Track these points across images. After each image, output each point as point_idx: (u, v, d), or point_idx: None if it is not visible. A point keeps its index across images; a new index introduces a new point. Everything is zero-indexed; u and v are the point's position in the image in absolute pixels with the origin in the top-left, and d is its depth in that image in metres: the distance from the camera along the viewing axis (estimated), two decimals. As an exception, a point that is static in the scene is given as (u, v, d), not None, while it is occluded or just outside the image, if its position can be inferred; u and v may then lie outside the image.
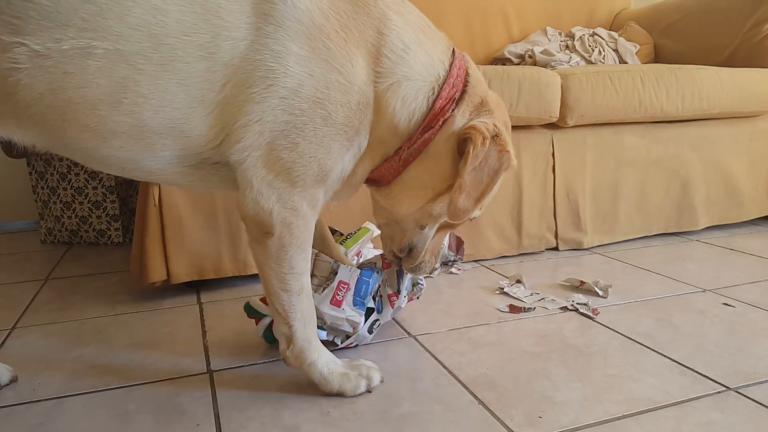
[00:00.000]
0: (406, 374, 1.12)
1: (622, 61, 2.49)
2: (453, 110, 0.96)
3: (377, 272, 1.24)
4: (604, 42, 2.52)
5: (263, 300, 1.19)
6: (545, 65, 2.34)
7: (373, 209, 1.16)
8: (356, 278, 1.18)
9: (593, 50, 2.51)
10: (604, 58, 2.48)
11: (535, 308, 1.46)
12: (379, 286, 1.25)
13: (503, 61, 2.55)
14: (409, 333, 1.33)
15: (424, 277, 1.73)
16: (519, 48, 2.54)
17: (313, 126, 0.86)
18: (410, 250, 1.15)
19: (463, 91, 0.97)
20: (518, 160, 1.91)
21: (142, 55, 0.76)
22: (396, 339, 1.29)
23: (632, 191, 2.09)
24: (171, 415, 0.99)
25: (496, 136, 0.96)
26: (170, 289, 1.62)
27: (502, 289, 1.60)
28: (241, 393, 1.05)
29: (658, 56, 2.64)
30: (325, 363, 1.03)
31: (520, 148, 1.92)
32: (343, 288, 1.15)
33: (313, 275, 1.05)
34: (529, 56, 2.48)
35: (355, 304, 1.16)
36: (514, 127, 1.91)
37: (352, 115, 0.89)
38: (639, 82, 1.97)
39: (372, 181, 1.05)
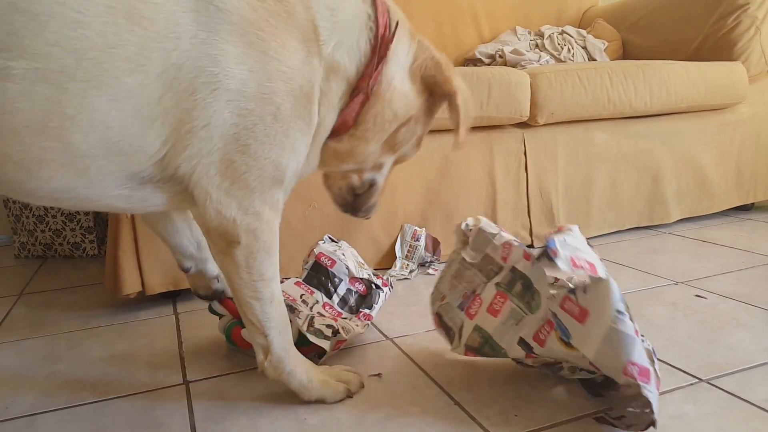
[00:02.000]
0: (384, 377, 1.12)
1: (591, 59, 2.53)
2: (394, 36, 0.98)
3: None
4: (573, 40, 2.56)
5: (229, 300, 1.20)
6: (515, 65, 2.37)
7: (323, 160, 1.07)
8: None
9: (562, 48, 2.54)
10: (573, 56, 2.52)
11: (511, 306, 1.48)
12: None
13: (474, 61, 2.57)
14: (386, 336, 1.33)
15: (401, 278, 1.75)
16: (489, 48, 2.57)
17: (263, 125, 0.84)
18: (370, 187, 1.15)
19: (389, 17, 1.00)
20: (491, 160, 1.94)
21: (65, 73, 0.71)
22: (373, 342, 1.30)
23: (604, 187, 2.12)
24: (147, 428, 0.98)
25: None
26: (146, 300, 1.61)
27: (479, 288, 1.61)
28: (218, 403, 1.05)
29: (626, 52, 2.68)
30: (305, 371, 1.02)
31: (492, 148, 1.94)
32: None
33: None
34: (500, 56, 2.50)
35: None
36: (485, 127, 1.96)
37: (299, 104, 0.87)
38: (607, 79, 2.00)
39: (332, 134, 1.02)
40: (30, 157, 0.74)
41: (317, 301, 1.25)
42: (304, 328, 1.14)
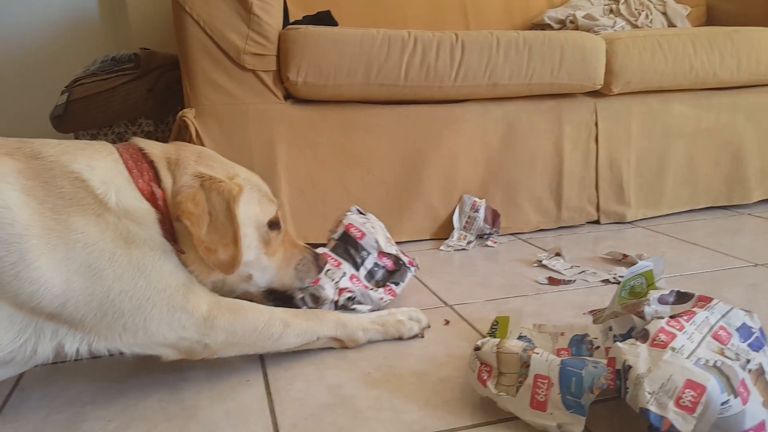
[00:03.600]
0: (443, 341, 1.11)
1: (671, 25, 2.38)
2: (161, 184, 0.94)
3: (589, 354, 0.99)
4: (651, 5, 2.41)
5: None
6: (588, 31, 2.24)
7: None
8: (558, 369, 0.82)
9: (640, 14, 2.40)
10: (651, 22, 2.37)
11: (575, 281, 1.42)
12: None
13: (542, 27, 2.45)
14: (445, 302, 1.31)
15: (459, 249, 1.71)
16: (559, 13, 2.44)
17: (112, 295, 0.85)
18: (275, 289, 1.11)
19: (152, 166, 0.95)
20: (559, 129, 1.86)
21: None
22: (432, 308, 1.28)
23: (680, 163, 2.00)
24: (222, 370, 1.01)
25: (201, 183, 0.94)
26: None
27: (540, 261, 1.56)
28: (286, 354, 1.05)
29: (710, 18, 2.51)
30: (372, 322, 1.09)
31: (561, 117, 1.86)
32: (543, 384, 0.84)
33: (500, 373, 0.87)
34: (571, 21, 2.38)
35: (567, 406, 0.81)
36: (555, 95, 1.87)
37: (128, 253, 0.87)
38: (690, 47, 1.87)
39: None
40: None
41: (344, 273, 1.23)
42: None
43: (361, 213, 1.39)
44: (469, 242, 1.75)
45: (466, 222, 1.79)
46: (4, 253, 0.76)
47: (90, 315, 0.83)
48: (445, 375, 0.98)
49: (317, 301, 1.14)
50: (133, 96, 2.01)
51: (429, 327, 1.15)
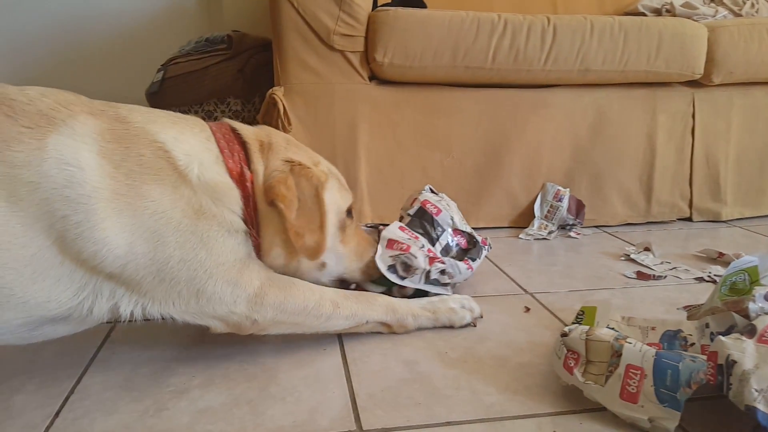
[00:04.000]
0: (524, 328, 1.08)
1: (782, 15, 2.20)
2: (251, 166, 0.96)
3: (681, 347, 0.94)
4: (759, -7, 2.23)
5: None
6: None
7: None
8: (653, 360, 0.78)
9: (744, 3, 2.23)
10: (757, 11, 2.20)
11: (666, 277, 1.35)
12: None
13: (637, 16, 2.34)
14: (525, 290, 1.28)
15: (539, 238, 1.67)
16: (655, 1, 2.31)
17: (173, 261, 0.86)
18: (343, 279, 1.12)
19: (244, 147, 0.97)
20: (653, 120, 1.77)
21: None
22: (512, 294, 1.25)
23: (785, 160, 1.86)
24: (300, 339, 1.02)
25: (291, 168, 0.96)
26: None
27: (628, 255, 1.49)
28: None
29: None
30: (423, 308, 1.06)
31: (656, 107, 1.77)
32: (635, 375, 0.79)
33: (589, 361, 0.84)
34: (667, 10, 2.24)
35: (660, 400, 0.76)
36: (650, 84, 1.78)
37: (193, 226, 0.87)
38: (804, 35, 1.73)
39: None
40: None
41: (422, 246, 1.22)
42: (422, 284, 1.13)
43: (433, 192, 1.38)
44: (550, 232, 1.70)
45: (548, 211, 1.74)
46: (71, 212, 0.77)
47: (148, 278, 0.84)
48: (526, 361, 0.95)
49: (408, 269, 1.12)
50: (224, 76, 2.08)
51: (482, 317, 1.10)
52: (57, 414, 0.82)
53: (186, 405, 0.83)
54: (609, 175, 1.78)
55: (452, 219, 1.28)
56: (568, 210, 1.73)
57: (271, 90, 1.61)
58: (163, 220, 0.84)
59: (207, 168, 0.90)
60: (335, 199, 1.04)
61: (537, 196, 1.76)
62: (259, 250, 0.98)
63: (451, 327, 1.07)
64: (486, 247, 1.30)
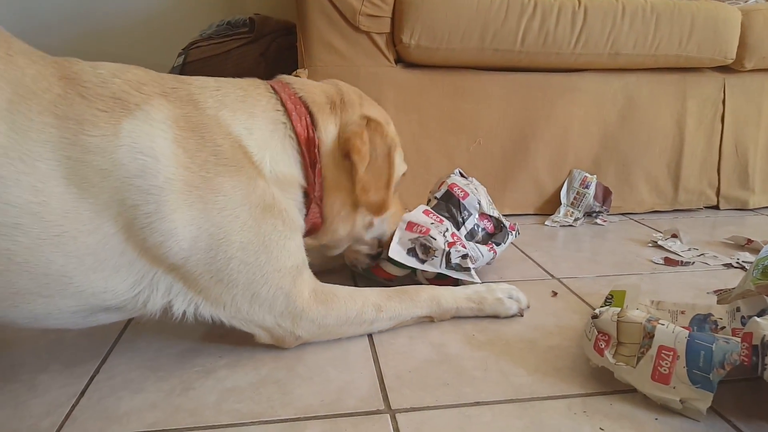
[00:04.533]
0: (552, 312, 1.07)
1: (819, -1, 2.13)
2: (315, 132, 0.95)
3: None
4: (797, -25, 2.17)
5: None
6: (721, 3, 2.07)
7: (324, 253, 1.13)
8: (685, 342, 0.77)
9: (780, -13, 2.17)
10: (794, -4, 2.14)
11: (694, 263, 1.33)
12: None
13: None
14: (552, 275, 1.26)
15: (565, 225, 1.65)
16: (688, -14, 2.26)
17: (235, 261, 0.85)
18: (380, 241, 1.14)
19: (309, 111, 0.95)
20: (682, 106, 1.74)
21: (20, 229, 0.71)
22: (538, 279, 1.24)
23: (818, 148, 1.82)
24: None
25: (368, 124, 0.97)
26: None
27: (656, 242, 1.47)
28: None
29: None
30: (468, 299, 1.04)
31: (686, 92, 1.74)
32: (667, 356, 0.79)
33: (620, 343, 0.83)
34: (700, -5, 2.20)
35: (693, 381, 0.75)
36: (680, 69, 1.74)
37: (261, 222, 0.86)
38: (843, 19, 1.68)
39: (309, 233, 1.03)
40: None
41: (447, 229, 1.21)
42: (443, 267, 1.11)
43: (463, 176, 1.37)
44: (576, 219, 1.68)
45: (575, 198, 1.72)
46: (141, 202, 0.76)
47: (206, 276, 0.83)
48: (555, 344, 0.95)
49: (428, 252, 1.12)
50: (247, 59, 2.08)
51: (529, 308, 1.07)
52: (82, 393, 0.82)
53: (213, 384, 0.84)
54: (637, 161, 1.75)
55: (479, 203, 1.27)
56: (595, 197, 1.71)
57: (294, 72, 1.60)
58: (230, 218, 0.83)
59: (276, 159, 0.90)
60: (398, 161, 1.06)
61: (563, 182, 1.74)
62: (320, 220, 1.00)
63: (496, 317, 1.04)
64: (513, 232, 1.28)
